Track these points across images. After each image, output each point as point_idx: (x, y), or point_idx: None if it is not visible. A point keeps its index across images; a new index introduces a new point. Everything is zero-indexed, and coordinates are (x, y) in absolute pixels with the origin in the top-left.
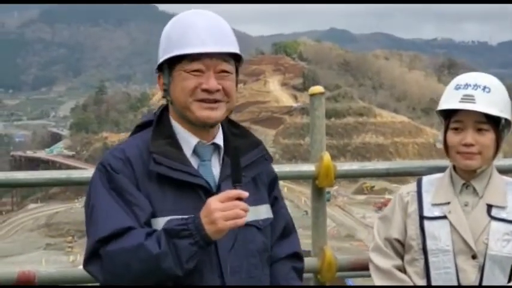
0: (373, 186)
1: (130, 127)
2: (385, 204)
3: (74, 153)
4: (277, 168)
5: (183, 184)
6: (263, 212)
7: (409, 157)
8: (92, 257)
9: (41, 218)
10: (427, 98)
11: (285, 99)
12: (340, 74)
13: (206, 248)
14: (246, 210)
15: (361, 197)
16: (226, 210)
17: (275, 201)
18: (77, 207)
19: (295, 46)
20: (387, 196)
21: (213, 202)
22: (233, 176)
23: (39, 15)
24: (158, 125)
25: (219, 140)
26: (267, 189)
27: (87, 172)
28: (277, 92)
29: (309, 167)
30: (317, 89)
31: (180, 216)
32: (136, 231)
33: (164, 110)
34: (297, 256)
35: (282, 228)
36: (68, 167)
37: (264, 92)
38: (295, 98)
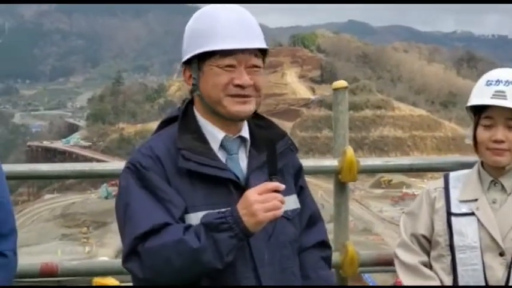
0: (391, 180)
1: (147, 118)
2: (402, 198)
3: (90, 143)
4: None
5: (213, 179)
6: (291, 202)
7: (427, 151)
8: (130, 254)
9: (57, 208)
10: (446, 91)
11: (303, 91)
12: (359, 67)
13: (245, 241)
14: (283, 202)
15: (379, 191)
16: (265, 202)
17: (301, 190)
18: (93, 198)
19: (313, 38)
20: (404, 190)
21: (252, 194)
22: (269, 168)
23: (57, 6)
24: (183, 120)
25: (245, 133)
26: (293, 180)
27: (110, 164)
28: (294, 84)
29: (332, 162)
30: (341, 83)
31: (216, 210)
32: (173, 226)
33: (188, 105)
34: (325, 244)
35: (308, 217)
36: (85, 158)
37: (281, 84)
38: (313, 90)
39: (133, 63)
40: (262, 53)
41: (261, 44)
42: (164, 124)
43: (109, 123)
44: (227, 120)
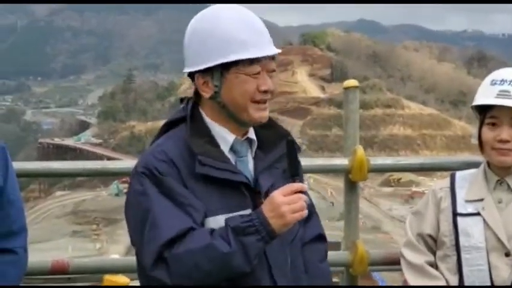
0: (400, 179)
1: (158, 116)
2: (411, 197)
3: (101, 141)
4: (310, 161)
5: (226, 182)
6: None
7: (436, 150)
8: (157, 262)
9: (68, 205)
10: (456, 90)
11: (313, 90)
12: (369, 66)
13: (270, 243)
14: (307, 202)
15: (388, 189)
16: (291, 203)
17: None
18: (103, 195)
19: (323, 37)
20: (414, 188)
21: (278, 196)
22: (291, 169)
23: (69, 3)
24: (192, 123)
25: (252, 134)
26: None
27: (122, 163)
28: (304, 82)
29: (342, 161)
30: (351, 82)
31: (238, 213)
32: (198, 231)
33: (194, 107)
34: (321, 237)
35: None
36: (96, 155)
37: (291, 82)
38: (323, 89)
39: (144, 61)
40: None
41: (276, 49)
42: (168, 126)
43: (120, 121)
44: (241, 125)
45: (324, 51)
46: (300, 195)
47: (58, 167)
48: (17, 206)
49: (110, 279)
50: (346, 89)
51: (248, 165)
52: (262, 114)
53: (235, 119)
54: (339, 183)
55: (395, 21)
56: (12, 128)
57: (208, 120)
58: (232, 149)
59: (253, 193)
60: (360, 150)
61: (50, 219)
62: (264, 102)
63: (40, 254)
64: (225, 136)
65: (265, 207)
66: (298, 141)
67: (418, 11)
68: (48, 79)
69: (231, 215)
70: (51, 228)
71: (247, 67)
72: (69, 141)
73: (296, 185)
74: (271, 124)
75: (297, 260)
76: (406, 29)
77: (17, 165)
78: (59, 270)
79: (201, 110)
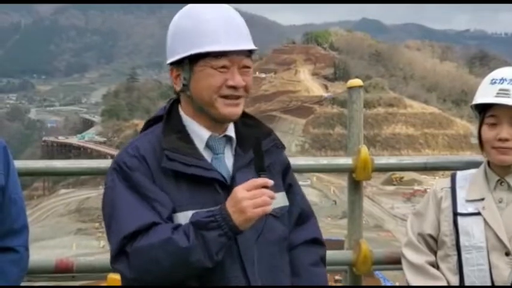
0: (402, 177)
1: None
2: (413, 195)
3: (105, 139)
4: (315, 161)
5: (198, 178)
6: (279, 200)
7: (438, 149)
8: (118, 255)
9: (72, 203)
10: (458, 89)
11: (316, 88)
12: (372, 65)
13: (233, 238)
14: (272, 197)
15: (390, 188)
16: (253, 198)
17: (290, 188)
18: None
19: (326, 36)
20: (416, 187)
21: (240, 191)
22: (256, 164)
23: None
24: (168, 119)
25: (231, 131)
26: (281, 177)
27: None
28: (307, 81)
29: (346, 160)
30: (356, 82)
31: (204, 209)
32: (161, 226)
33: (173, 104)
34: (317, 242)
35: (297, 215)
36: (99, 153)
37: (294, 81)
38: (326, 87)
39: (147, 60)
40: (250, 52)
41: (252, 45)
42: (150, 123)
43: (123, 119)
44: (215, 122)
45: (327, 50)
46: (264, 190)
47: (62, 166)
48: (18, 205)
49: (113, 277)
50: (350, 88)
51: (226, 163)
52: (231, 110)
53: (206, 114)
54: (341, 181)
55: (398, 21)
56: (17, 126)
57: (185, 117)
58: (208, 146)
59: (228, 190)
60: (364, 149)
61: (54, 217)
62: (235, 98)
63: (44, 252)
64: (199, 133)
65: (228, 203)
66: (301, 140)
67: (421, 10)
68: (52, 77)
69: (208, 209)
70: (55, 226)
71: (213, 60)
72: (73, 140)
73: (260, 180)
74: (255, 123)
75: (275, 259)
76: (409, 28)
77: (22, 164)
78: (63, 269)
79: (179, 107)
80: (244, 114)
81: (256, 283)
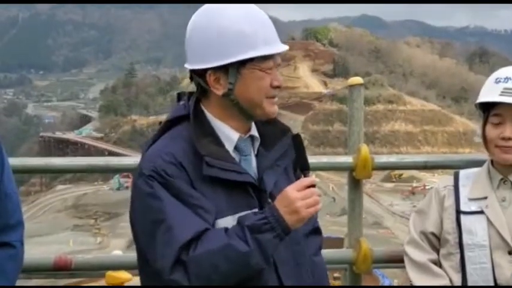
0: (402, 174)
1: (160, 110)
2: (412, 192)
3: (102, 135)
4: (315, 159)
5: (232, 183)
6: None
7: (438, 146)
8: (175, 265)
9: (69, 199)
10: (458, 86)
11: (315, 85)
12: (371, 61)
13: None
14: (320, 195)
15: (389, 185)
16: (305, 198)
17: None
18: (104, 189)
19: (326, 32)
20: (415, 184)
21: (291, 192)
22: (301, 163)
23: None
24: (195, 122)
25: (254, 131)
26: (293, 172)
27: (125, 159)
28: (307, 77)
29: (346, 159)
30: (356, 80)
31: (251, 211)
32: (213, 232)
33: (196, 105)
34: (317, 231)
35: None
36: (97, 149)
37: (293, 77)
38: (325, 84)
39: (146, 55)
40: None
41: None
42: (170, 123)
43: (121, 115)
44: (245, 121)
45: (327, 47)
46: (313, 189)
47: (61, 163)
48: (13, 200)
49: (112, 275)
50: (351, 86)
51: (252, 164)
52: (274, 109)
53: (245, 115)
54: (340, 178)
55: (397, 17)
56: (14, 122)
57: (212, 118)
58: (236, 147)
59: (258, 192)
60: (364, 148)
61: (51, 213)
62: (275, 97)
63: (41, 248)
64: (229, 135)
65: (279, 203)
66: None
67: (421, 6)
68: (50, 73)
69: (238, 215)
70: (52, 222)
71: (262, 63)
72: (71, 135)
73: (308, 180)
74: (273, 121)
75: (301, 257)
76: (409, 24)
77: (20, 161)
78: (62, 266)
79: (203, 108)
80: None
81: (288, 283)
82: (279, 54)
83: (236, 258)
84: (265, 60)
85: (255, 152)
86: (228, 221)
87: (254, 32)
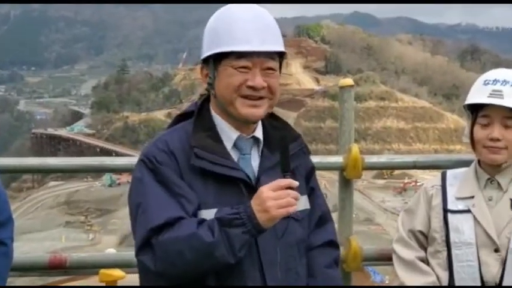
0: (393, 171)
1: (152, 107)
2: (404, 189)
3: (94, 131)
4: None
5: (224, 177)
6: (301, 203)
7: (429, 142)
8: (143, 246)
9: (61, 195)
10: (449, 83)
11: (307, 82)
12: (363, 58)
13: (257, 237)
14: (296, 199)
15: (381, 181)
16: (278, 198)
17: (312, 191)
18: (96, 186)
19: (318, 29)
20: (406, 180)
21: (265, 191)
22: (282, 165)
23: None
24: (199, 117)
25: (259, 133)
26: (305, 180)
27: (119, 159)
28: (299, 74)
29: (337, 159)
30: (347, 81)
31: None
32: (187, 220)
33: (205, 101)
34: (332, 244)
35: (317, 217)
36: (89, 145)
37: (285, 74)
38: (317, 81)
39: (138, 52)
40: (279, 55)
41: (278, 47)
42: (180, 118)
43: (113, 112)
44: (239, 122)
45: (319, 44)
46: (288, 191)
47: (55, 163)
48: (1, 198)
49: (105, 272)
50: (342, 87)
51: (252, 163)
52: (250, 111)
53: (227, 113)
54: (333, 175)
55: (389, 14)
56: (6, 118)
57: (215, 115)
58: (235, 146)
59: (252, 191)
60: (355, 148)
61: (43, 210)
62: (256, 99)
63: (33, 244)
64: (228, 132)
65: (254, 201)
66: None
67: (413, 4)
68: (42, 69)
69: (225, 208)
70: (44, 218)
71: (235, 60)
72: (63, 132)
73: (285, 181)
74: (283, 126)
75: (293, 262)
76: (401, 22)
77: (15, 161)
78: (56, 265)
79: (210, 105)
80: (274, 117)
81: (272, 284)
82: (265, 57)
83: (200, 247)
84: (238, 59)
85: (259, 154)
86: (212, 214)
87: (230, 31)
